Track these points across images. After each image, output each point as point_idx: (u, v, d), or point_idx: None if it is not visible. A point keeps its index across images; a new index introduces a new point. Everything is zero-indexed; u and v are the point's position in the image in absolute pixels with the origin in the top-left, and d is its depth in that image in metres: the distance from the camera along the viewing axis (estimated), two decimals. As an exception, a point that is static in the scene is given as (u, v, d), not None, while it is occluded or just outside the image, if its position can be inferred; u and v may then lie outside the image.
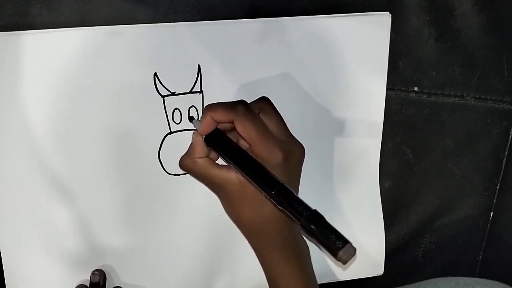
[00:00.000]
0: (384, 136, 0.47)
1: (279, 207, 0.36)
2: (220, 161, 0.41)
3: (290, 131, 0.40)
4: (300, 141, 0.40)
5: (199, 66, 0.42)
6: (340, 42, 0.44)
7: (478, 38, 0.47)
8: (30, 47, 0.39)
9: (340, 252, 0.33)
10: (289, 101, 0.44)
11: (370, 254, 0.49)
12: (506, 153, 0.49)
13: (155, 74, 0.42)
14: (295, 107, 0.45)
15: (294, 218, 0.35)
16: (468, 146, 0.49)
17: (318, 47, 0.44)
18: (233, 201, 0.39)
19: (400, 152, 0.49)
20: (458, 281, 0.48)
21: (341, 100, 0.45)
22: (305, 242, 0.41)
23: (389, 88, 0.46)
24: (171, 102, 0.42)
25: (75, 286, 0.43)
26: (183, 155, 0.40)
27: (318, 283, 0.41)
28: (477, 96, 0.48)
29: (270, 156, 0.37)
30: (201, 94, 0.43)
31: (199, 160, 0.39)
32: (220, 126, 0.39)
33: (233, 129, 0.38)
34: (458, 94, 0.48)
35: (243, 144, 0.39)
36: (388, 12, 0.44)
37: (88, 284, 0.43)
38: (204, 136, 0.39)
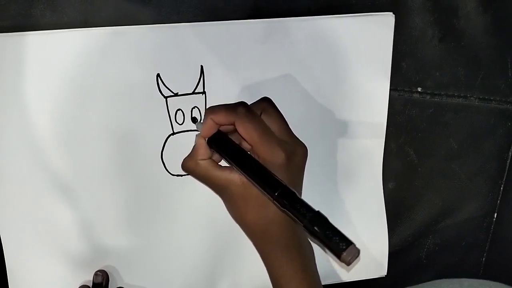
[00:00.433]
0: (388, 137, 0.47)
1: (282, 208, 0.36)
2: (224, 163, 0.40)
3: (293, 131, 0.40)
4: (303, 142, 0.40)
5: (202, 67, 0.42)
6: (343, 43, 0.44)
7: (482, 39, 0.47)
8: (34, 48, 0.40)
9: (344, 254, 0.33)
10: (292, 101, 0.44)
11: (374, 255, 0.49)
12: (510, 154, 0.49)
13: (158, 75, 0.42)
14: (298, 108, 0.44)
15: (297, 220, 0.35)
16: (472, 147, 0.49)
17: (321, 48, 0.44)
18: (236, 203, 0.39)
19: (403, 153, 0.48)
20: (462, 283, 0.48)
21: (344, 100, 0.45)
22: (309, 243, 0.41)
23: (393, 88, 0.46)
24: (174, 103, 0.42)
25: (78, 287, 0.43)
26: (186, 157, 0.40)
27: (322, 283, 0.41)
28: (481, 97, 0.48)
29: (272, 157, 0.37)
30: (204, 95, 0.43)
31: (201, 162, 0.39)
32: (222, 128, 0.39)
33: (236, 130, 0.38)
34: (462, 95, 0.48)
35: (245, 145, 0.39)
36: (391, 13, 0.44)
37: (90, 284, 0.43)
38: (207, 138, 0.39)
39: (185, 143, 0.42)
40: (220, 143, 0.39)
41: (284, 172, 0.37)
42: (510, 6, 0.46)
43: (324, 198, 0.47)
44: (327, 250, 0.34)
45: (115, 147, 0.42)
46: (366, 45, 0.44)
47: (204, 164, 0.39)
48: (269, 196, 0.36)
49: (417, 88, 0.47)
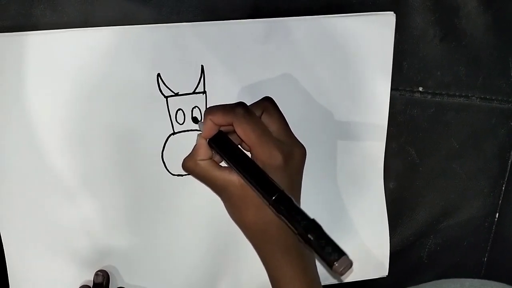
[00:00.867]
0: (389, 137, 0.47)
1: (277, 214, 0.36)
2: (224, 164, 0.40)
3: (293, 131, 0.40)
4: (303, 142, 0.40)
5: (202, 66, 0.42)
6: (344, 42, 0.44)
7: (483, 38, 0.46)
8: (34, 47, 0.40)
9: (336, 264, 0.33)
10: (292, 101, 0.44)
11: (375, 256, 0.48)
12: (512, 153, 0.49)
13: (159, 75, 0.42)
14: (298, 108, 0.44)
15: (291, 227, 0.35)
16: (473, 147, 0.49)
17: (321, 47, 0.44)
18: (235, 204, 0.39)
19: (404, 153, 0.48)
20: (464, 283, 0.48)
21: (345, 100, 0.45)
22: None
23: (394, 88, 0.46)
24: (175, 102, 0.42)
25: (79, 287, 0.43)
26: (186, 157, 0.40)
27: (322, 284, 0.41)
28: (482, 96, 0.48)
29: (270, 159, 0.37)
30: (204, 94, 0.43)
31: (201, 162, 0.39)
32: (223, 128, 0.39)
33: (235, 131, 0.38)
34: (463, 94, 0.48)
35: (245, 146, 0.39)
36: (392, 12, 0.44)
37: (91, 284, 0.43)
38: (208, 139, 0.39)
39: (186, 143, 0.42)
40: (220, 143, 0.39)
41: (282, 174, 0.37)
42: (511, 6, 0.46)
43: (325, 198, 0.47)
44: (319, 259, 0.34)
45: (116, 147, 0.42)
46: (367, 45, 0.44)
47: (203, 164, 0.39)
48: (265, 201, 0.36)
49: (418, 88, 0.47)
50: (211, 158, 0.40)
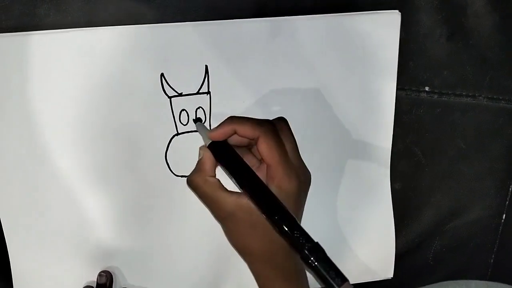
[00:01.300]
0: (395, 137, 0.46)
1: (280, 234, 0.35)
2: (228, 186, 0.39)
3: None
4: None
5: (206, 66, 0.42)
6: (349, 41, 0.43)
7: (490, 37, 0.46)
8: (38, 47, 0.39)
9: None
10: (297, 100, 0.44)
11: (380, 257, 0.48)
12: (519, 154, 0.49)
13: (162, 75, 0.41)
14: (303, 107, 0.44)
15: (295, 249, 0.34)
16: (480, 147, 0.48)
17: (326, 46, 0.43)
18: (241, 230, 0.37)
19: (410, 153, 0.48)
20: (470, 285, 0.48)
21: (350, 100, 0.45)
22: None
23: (400, 88, 0.46)
24: (178, 103, 0.42)
25: (82, 287, 0.43)
26: (193, 173, 0.38)
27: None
28: (489, 96, 0.47)
29: (288, 183, 0.36)
30: (208, 95, 0.42)
31: (210, 179, 0.37)
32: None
33: (241, 146, 0.37)
34: (470, 94, 0.47)
35: (251, 163, 0.38)
36: (397, 11, 0.44)
37: (94, 285, 0.43)
38: (208, 145, 0.38)
39: (190, 144, 0.42)
40: (225, 154, 0.37)
41: (295, 199, 0.36)
42: (519, 4, 0.46)
43: (330, 198, 0.46)
44: (321, 283, 0.34)
45: (119, 148, 0.42)
46: (372, 44, 0.44)
47: (213, 182, 0.37)
48: (268, 218, 0.35)
49: (424, 88, 0.47)
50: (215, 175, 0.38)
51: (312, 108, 0.44)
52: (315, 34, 0.43)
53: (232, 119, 0.37)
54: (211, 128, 0.42)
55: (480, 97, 0.47)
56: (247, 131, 0.36)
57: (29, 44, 0.39)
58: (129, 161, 0.42)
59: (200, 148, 0.40)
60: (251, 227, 0.36)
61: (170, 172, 0.43)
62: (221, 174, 0.39)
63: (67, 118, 0.41)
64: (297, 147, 0.38)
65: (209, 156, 0.38)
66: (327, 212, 0.46)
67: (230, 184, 0.38)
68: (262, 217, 0.36)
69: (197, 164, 0.39)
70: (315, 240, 0.34)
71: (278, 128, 0.37)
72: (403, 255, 0.49)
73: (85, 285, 0.44)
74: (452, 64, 0.46)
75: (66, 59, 0.40)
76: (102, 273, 0.43)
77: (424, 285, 0.50)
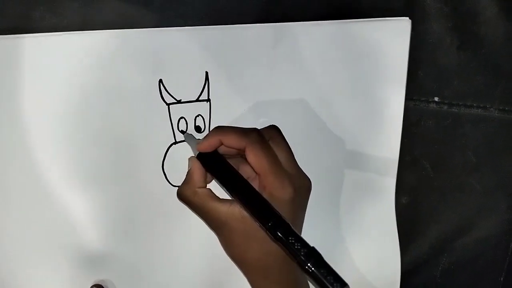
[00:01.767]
0: (402, 149, 0.46)
1: (275, 241, 0.34)
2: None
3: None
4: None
5: (206, 73, 0.41)
6: (356, 49, 0.43)
7: (502, 46, 0.46)
8: (33, 50, 0.39)
9: None
10: (300, 110, 0.43)
11: (385, 274, 0.47)
12: (531, 168, 0.48)
13: (160, 81, 0.41)
14: (307, 116, 0.43)
15: (290, 255, 0.34)
16: (491, 161, 0.48)
17: (331, 54, 0.43)
18: (236, 239, 0.37)
19: (418, 166, 0.47)
20: (479, 304, 0.47)
21: (356, 110, 0.44)
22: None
23: (408, 98, 0.45)
24: (177, 110, 0.41)
25: (74, 302, 0.42)
26: (182, 185, 0.38)
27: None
28: (501, 108, 0.47)
29: (280, 192, 0.35)
30: (208, 102, 0.42)
31: (200, 190, 0.37)
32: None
33: (234, 155, 0.37)
34: (481, 105, 0.47)
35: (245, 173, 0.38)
36: (407, 18, 0.43)
37: (87, 300, 0.42)
38: (197, 155, 0.38)
39: (188, 153, 0.41)
40: (214, 163, 0.37)
41: (290, 206, 0.36)
42: (533, 13, 0.45)
43: (332, 212, 0.45)
44: None
45: (115, 156, 0.41)
46: (380, 52, 0.43)
47: (202, 193, 0.37)
48: (262, 226, 0.34)
49: (434, 98, 0.46)
50: (206, 186, 0.38)
51: (316, 117, 0.44)
52: (320, 41, 0.42)
53: (217, 129, 0.37)
54: None
55: (492, 109, 0.47)
56: (232, 141, 0.36)
57: (24, 47, 0.39)
58: (125, 171, 0.42)
59: (189, 159, 0.39)
60: (245, 236, 0.36)
61: (167, 182, 0.42)
62: (214, 184, 0.38)
63: (61, 124, 0.41)
64: (293, 154, 0.38)
65: (198, 167, 0.38)
66: (330, 225, 0.45)
67: (224, 194, 0.38)
68: (256, 225, 0.35)
69: (186, 175, 0.39)
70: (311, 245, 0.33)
71: (269, 137, 0.37)
72: (409, 272, 0.49)
73: (76, 299, 0.43)
74: (462, 74, 0.46)
75: (61, 63, 0.40)
76: (94, 287, 0.42)
77: (431, 304, 0.49)
